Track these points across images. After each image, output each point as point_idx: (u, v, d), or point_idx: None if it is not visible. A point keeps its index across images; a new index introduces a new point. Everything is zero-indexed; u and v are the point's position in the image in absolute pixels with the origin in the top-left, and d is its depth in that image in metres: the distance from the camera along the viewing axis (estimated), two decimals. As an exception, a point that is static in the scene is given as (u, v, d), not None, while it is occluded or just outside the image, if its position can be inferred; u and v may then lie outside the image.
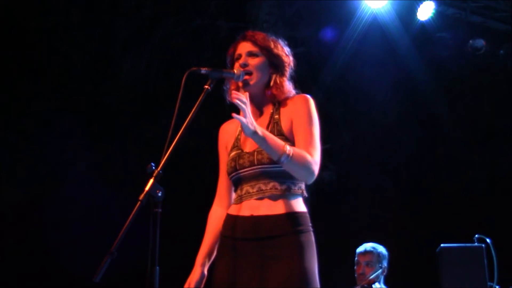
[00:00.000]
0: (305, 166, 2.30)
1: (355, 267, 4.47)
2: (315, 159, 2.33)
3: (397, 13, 6.03)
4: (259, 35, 2.55)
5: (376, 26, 6.10)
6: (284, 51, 2.56)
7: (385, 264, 4.40)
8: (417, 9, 5.93)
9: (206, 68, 2.36)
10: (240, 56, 2.52)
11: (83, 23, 6.25)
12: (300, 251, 2.29)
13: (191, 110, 2.25)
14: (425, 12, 5.92)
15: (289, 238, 2.31)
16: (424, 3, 5.87)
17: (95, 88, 6.49)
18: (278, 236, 2.31)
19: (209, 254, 2.53)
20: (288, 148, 2.25)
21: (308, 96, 2.47)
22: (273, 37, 2.58)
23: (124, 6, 6.31)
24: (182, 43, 6.54)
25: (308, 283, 2.26)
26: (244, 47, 2.53)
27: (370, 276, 4.32)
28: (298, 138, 2.38)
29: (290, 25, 6.21)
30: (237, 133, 2.56)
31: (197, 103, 2.28)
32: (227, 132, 2.63)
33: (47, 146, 6.21)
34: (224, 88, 2.59)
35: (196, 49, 6.48)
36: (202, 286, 2.51)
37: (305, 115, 2.41)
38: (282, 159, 2.24)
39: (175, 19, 6.50)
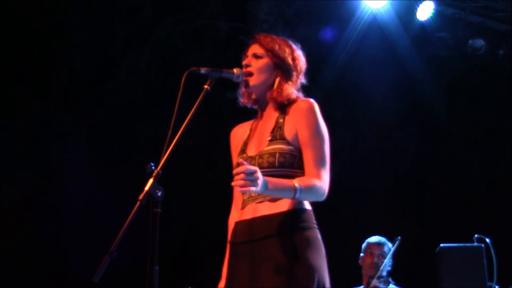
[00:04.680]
0: (316, 192, 2.32)
1: (363, 258, 4.50)
2: (323, 178, 2.34)
3: (397, 13, 6.03)
4: (267, 38, 2.55)
5: (375, 26, 6.10)
6: (292, 54, 2.54)
7: (392, 259, 4.44)
8: (416, 9, 5.94)
9: (205, 68, 2.37)
10: (247, 57, 2.54)
11: (83, 23, 6.25)
12: (299, 248, 2.27)
13: (191, 110, 2.26)
14: (425, 12, 5.92)
15: (287, 235, 2.28)
16: (424, 3, 5.87)
17: (95, 88, 6.48)
18: (274, 235, 2.29)
19: None
20: (297, 185, 2.25)
21: (312, 100, 2.45)
22: (285, 41, 2.57)
23: (124, 6, 6.30)
24: (182, 43, 6.54)
25: (310, 281, 2.22)
26: (252, 49, 2.55)
27: (385, 266, 4.36)
28: (306, 155, 2.37)
29: (290, 25, 6.21)
30: (246, 137, 2.57)
31: (197, 103, 2.29)
32: (237, 136, 2.63)
33: (47, 146, 6.20)
34: (237, 91, 2.60)
35: (196, 49, 6.48)
36: None
37: (312, 127, 2.39)
38: (297, 196, 2.25)
39: (175, 19, 6.50)
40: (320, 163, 2.36)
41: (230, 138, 2.67)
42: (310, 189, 2.29)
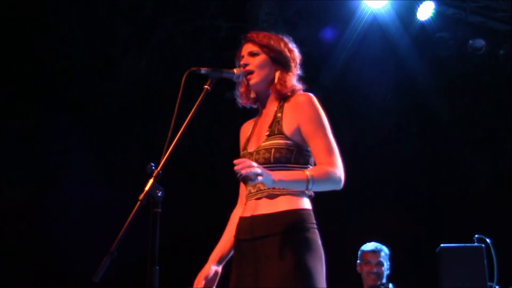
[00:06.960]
0: (330, 179, 2.32)
1: (361, 266, 4.47)
2: (337, 165, 2.35)
3: (397, 13, 6.03)
4: (259, 34, 2.57)
5: (376, 26, 6.10)
6: (287, 47, 2.56)
7: (389, 262, 4.44)
8: (417, 9, 5.94)
9: (206, 68, 2.37)
10: (242, 57, 2.54)
11: (83, 23, 6.25)
12: (297, 248, 2.26)
13: (191, 110, 2.26)
14: (425, 12, 5.93)
15: (285, 235, 2.28)
16: (424, 3, 5.88)
17: (95, 88, 6.48)
18: (273, 234, 2.29)
19: (222, 251, 2.57)
20: (309, 174, 2.25)
21: (310, 94, 2.46)
22: (276, 35, 2.59)
23: (124, 6, 6.30)
24: (182, 43, 6.54)
25: (306, 282, 2.22)
26: (246, 48, 2.55)
27: (386, 276, 4.38)
28: (314, 147, 2.38)
29: (290, 25, 6.21)
30: (249, 134, 2.58)
31: (197, 103, 2.29)
32: (244, 133, 2.66)
33: (47, 146, 6.20)
34: (235, 93, 2.61)
35: (196, 49, 6.48)
36: (216, 282, 2.52)
37: (314, 120, 2.40)
38: (310, 187, 2.26)
39: (175, 19, 6.50)
40: (330, 150, 2.37)
41: (239, 135, 2.69)
42: (324, 178, 2.29)
